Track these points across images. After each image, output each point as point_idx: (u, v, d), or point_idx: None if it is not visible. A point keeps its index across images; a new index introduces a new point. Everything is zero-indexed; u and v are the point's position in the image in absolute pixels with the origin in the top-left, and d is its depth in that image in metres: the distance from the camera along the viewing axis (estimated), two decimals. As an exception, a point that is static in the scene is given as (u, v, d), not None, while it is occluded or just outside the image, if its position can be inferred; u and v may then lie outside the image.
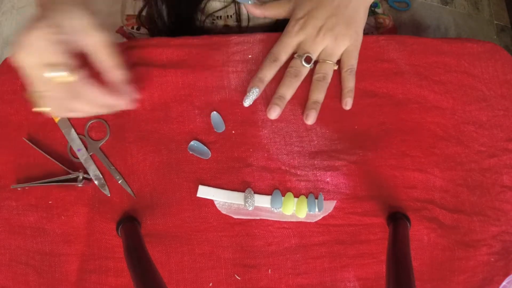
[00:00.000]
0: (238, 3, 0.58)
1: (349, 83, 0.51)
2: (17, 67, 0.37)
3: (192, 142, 0.50)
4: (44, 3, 0.39)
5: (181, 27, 0.59)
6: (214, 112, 0.51)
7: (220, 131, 0.51)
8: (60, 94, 0.38)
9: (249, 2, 0.53)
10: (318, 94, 0.50)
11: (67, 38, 0.37)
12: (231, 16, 0.61)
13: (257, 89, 0.50)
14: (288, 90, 0.50)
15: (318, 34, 0.50)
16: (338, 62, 0.52)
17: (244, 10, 0.60)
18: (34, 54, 0.36)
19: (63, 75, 0.36)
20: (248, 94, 0.50)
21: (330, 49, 0.50)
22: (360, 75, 0.52)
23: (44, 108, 0.39)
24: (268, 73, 0.51)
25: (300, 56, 0.50)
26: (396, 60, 0.53)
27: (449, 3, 1.39)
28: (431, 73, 0.53)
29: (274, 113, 0.50)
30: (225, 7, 0.59)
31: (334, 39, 0.50)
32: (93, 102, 0.40)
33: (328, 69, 0.51)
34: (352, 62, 0.51)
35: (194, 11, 0.60)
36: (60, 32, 0.36)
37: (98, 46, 0.39)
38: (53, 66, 0.36)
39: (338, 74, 0.52)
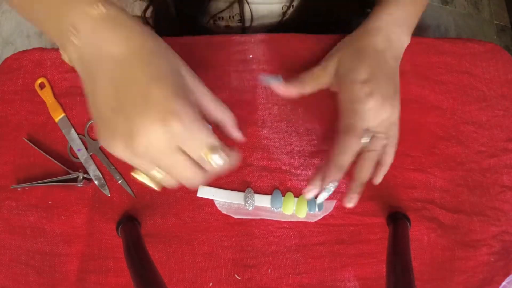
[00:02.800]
0: (242, 3, 0.58)
1: (390, 158, 0.45)
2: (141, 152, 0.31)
3: None
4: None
5: (184, 27, 0.59)
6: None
7: None
8: (200, 175, 0.33)
9: (280, 80, 0.45)
10: (367, 175, 0.44)
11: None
12: (233, 17, 0.61)
13: (335, 185, 0.42)
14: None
15: (382, 104, 0.41)
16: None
17: (247, 11, 0.60)
18: (191, 142, 0.31)
19: (219, 159, 0.32)
20: (324, 190, 0.43)
21: (386, 121, 0.43)
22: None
23: (158, 187, 0.35)
24: (351, 154, 0.42)
25: (368, 134, 0.42)
26: (396, 60, 0.53)
27: (449, 3, 1.39)
28: (432, 73, 0.53)
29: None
30: (229, 6, 0.59)
31: (392, 110, 0.43)
32: (214, 175, 0.35)
33: (379, 145, 0.43)
34: (397, 135, 0.45)
35: (200, 11, 0.60)
36: (197, 110, 0.32)
37: (208, 99, 0.36)
38: (211, 149, 0.32)
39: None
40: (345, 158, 0.42)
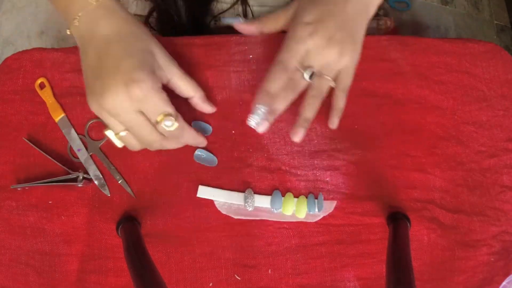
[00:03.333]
0: (244, 4, 0.58)
1: (341, 102, 0.46)
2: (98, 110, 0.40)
3: (197, 152, 0.50)
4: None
5: (187, 27, 0.60)
6: (193, 122, 0.51)
7: (209, 134, 0.51)
8: (156, 137, 0.41)
9: (240, 20, 0.49)
10: (311, 112, 0.45)
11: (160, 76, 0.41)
12: (245, 16, 0.61)
13: (265, 108, 0.43)
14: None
15: (327, 45, 0.43)
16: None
17: (248, 12, 0.60)
18: (148, 106, 0.39)
19: (173, 125, 0.40)
20: (253, 113, 0.43)
21: (333, 63, 0.44)
22: (360, 74, 0.52)
23: (120, 145, 0.43)
24: (277, 83, 0.44)
25: (308, 71, 0.43)
26: (397, 60, 0.53)
27: (449, 3, 1.39)
28: (432, 73, 0.53)
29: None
30: (231, 7, 0.59)
31: (339, 53, 0.43)
32: (185, 143, 0.45)
33: (325, 86, 0.45)
34: (348, 81, 0.46)
35: (206, 12, 0.60)
36: (160, 79, 0.40)
37: (177, 77, 0.43)
38: (166, 116, 0.39)
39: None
40: (271, 85, 0.43)
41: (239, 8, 0.60)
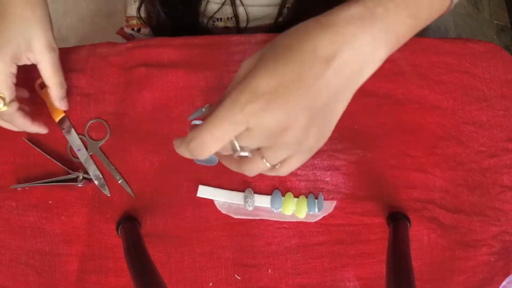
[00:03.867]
0: (235, 5, 0.58)
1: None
2: None
3: None
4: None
5: (183, 29, 0.60)
6: (193, 122, 0.49)
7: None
8: None
9: (203, 110, 0.35)
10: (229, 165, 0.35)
11: (23, 58, 0.44)
12: (231, 18, 0.61)
13: (206, 108, 0.35)
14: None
15: (278, 133, 0.28)
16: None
17: (241, 11, 0.60)
18: None
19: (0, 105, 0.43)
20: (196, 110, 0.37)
21: (279, 155, 0.31)
22: (360, 75, 0.52)
23: None
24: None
25: (243, 152, 0.30)
26: (397, 60, 0.53)
27: (449, 3, 1.38)
28: (432, 73, 0.53)
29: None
30: (220, 8, 0.59)
31: (293, 147, 0.30)
32: (18, 128, 0.47)
33: (261, 167, 0.32)
34: (293, 167, 0.33)
35: (195, 14, 0.60)
36: (15, 64, 0.43)
37: (47, 66, 0.45)
38: None
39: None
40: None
41: (228, 9, 0.60)
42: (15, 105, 0.44)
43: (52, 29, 0.46)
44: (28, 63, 0.45)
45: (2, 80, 0.42)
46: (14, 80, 0.44)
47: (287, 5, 0.59)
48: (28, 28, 0.43)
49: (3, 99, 0.43)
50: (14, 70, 0.43)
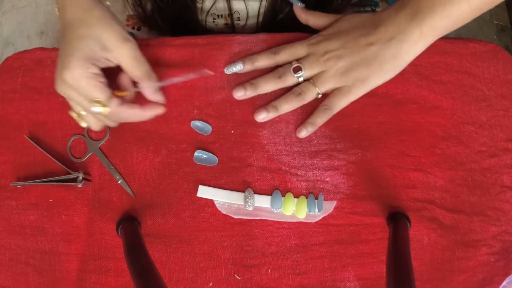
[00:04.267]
0: (229, 1, 0.58)
1: (318, 119, 0.50)
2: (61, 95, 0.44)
3: (196, 153, 0.50)
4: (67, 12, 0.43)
5: (182, 27, 0.59)
6: (193, 122, 0.51)
7: (209, 134, 0.51)
8: (100, 117, 0.45)
9: (298, 4, 0.52)
10: (284, 105, 0.50)
11: (100, 59, 0.43)
12: (232, 14, 0.61)
13: (242, 65, 0.50)
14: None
15: (323, 55, 0.47)
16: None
17: (241, 7, 0.60)
18: (76, 92, 0.42)
19: (101, 110, 0.42)
20: (232, 64, 0.50)
21: (325, 76, 0.48)
22: (360, 75, 0.52)
23: (83, 124, 0.47)
24: (262, 60, 0.50)
25: (290, 65, 0.49)
26: (396, 60, 0.53)
27: (449, 3, 1.38)
28: (432, 72, 0.53)
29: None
30: (213, 5, 0.59)
31: (336, 69, 0.48)
32: (135, 120, 0.48)
33: (309, 91, 0.49)
34: (336, 105, 0.49)
35: (192, 11, 0.60)
36: (94, 65, 0.42)
37: (126, 59, 0.43)
38: (92, 102, 0.42)
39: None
40: (259, 58, 0.50)
41: (223, 4, 0.60)
42: (115, 102, 0.43)
43: (120, 23, 0.44)
44: (111, 64, 0.44)
45: (85, 84, 0.41)
46: (102, 79, 0.42)
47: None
48: (93, 29, 0.42)
49: (99, 102, 0.42)
50: (94, 70, 0.42)
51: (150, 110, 0.47)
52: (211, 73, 0.49)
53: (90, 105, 0.42)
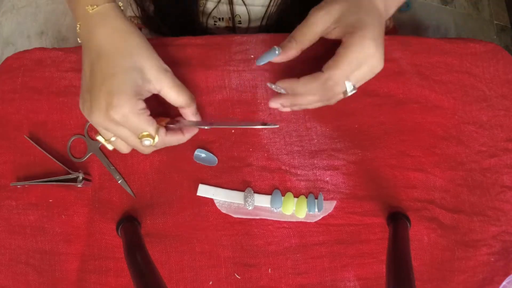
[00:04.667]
0: (232, 3, 0.58)
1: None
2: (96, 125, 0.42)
3: (196, 152, 0.50)
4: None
5: (183, 29, 0.60)
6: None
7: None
8: (141, 147, 0.43)
9: (277, 52, 0.43)
10: (305, 99, 0.44)
11: (144, 93, 0.41)
12: (234, 17, 0.61)
13: (278, 50, 0.43)
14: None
15: (379, 65, 0.42)
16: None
17: (242, 11, 0.60)
18: (125, 128, 0.41)
19: (151, 142, 0.42)
20: (266, 53, 0.44)
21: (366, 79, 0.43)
22: (360, 75, 0.52)
23: (110, 147, 0.45)
24: (309, 89, 0.42)
25: (352, 88, 0.42)
26: (398, 60, 0.53)
27: (449, 3, 1.39)
28: (433, 73, 0.53)
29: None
30: (216, 6, 0.59)
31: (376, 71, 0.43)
32: (169, 145, 0.46)
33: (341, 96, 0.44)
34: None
35: (193, 13, 0.60)
36: (140, 100, 0.41)
37: (170, 89, 0.43)
38: (142, 136, 0.41)
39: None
40: (300, 87, 0.43)
41: (225, 7, 0.60)
42: (162, 132, 0.43)
43: (155, 52, 0.43)
44: (149, 95, 0.43)
45: (137, 121, 0.40)
46: (148, 113, 0.41)
47: (276, 3, 0.59)
48: (133, 59, 0.40)
49: (150, 135, 0.41)
50: (141, 105, 0.40)
51: (189, 133, 0.47)
52: (275, 125, 0.47)
53: (139, 140, 0.41)
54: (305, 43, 0.43)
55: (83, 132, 0.51)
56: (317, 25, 0.42)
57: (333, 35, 0.43)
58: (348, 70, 0.40)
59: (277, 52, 0.43)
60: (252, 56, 0.53)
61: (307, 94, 0.43)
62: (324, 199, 0.49)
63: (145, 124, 0.41)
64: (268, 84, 0.45)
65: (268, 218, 0.49)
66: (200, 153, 0.50)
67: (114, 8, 0.42)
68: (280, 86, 0.43)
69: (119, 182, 0.50)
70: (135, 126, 0.40)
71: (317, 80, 0.41)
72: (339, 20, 0.42)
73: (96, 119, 0.40)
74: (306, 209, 0.49)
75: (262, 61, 0.44)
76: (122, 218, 0.48)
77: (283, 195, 0.49)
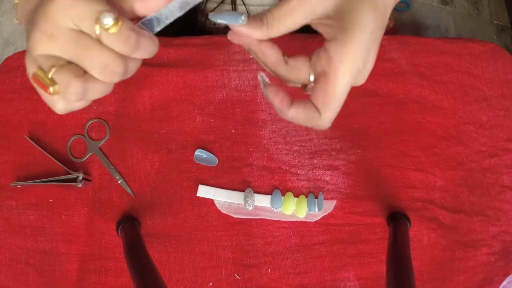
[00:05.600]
0: (235, 3, 0.58)
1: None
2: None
3: (197, 152, 0.50)
4: None
5: (182, 28, 0.60)
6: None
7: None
8: (108, 53, 0.29)
9: (239, 21, 0.33)
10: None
11: None
12: None
13: (242, 20, 0.33)
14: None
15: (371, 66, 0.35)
16: None
17: (243, 11, 0.60)
18: (79, 12, 0.28)
19: (111, 21, 0.28)
20: (228, 13, 0.34)
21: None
22: (360, 75, 0.52)
23: (51, 89, 0.30)
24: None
25: None
26: (397, 60, 0.53)
27: (449, 3, 1.39)
28: (432, 73, 0.53)
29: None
30: (218, 6, 0.59)
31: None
32: (149, 53, 0.32)
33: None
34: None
35: (193, 13, 0.60)
36: None
37: None
38: (101, 13, 0.27)
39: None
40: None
41: (226, 7, 0.60)
42: (127, 22, 0.29)
43: None
44: None
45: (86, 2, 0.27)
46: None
47: None
48: None
49: (108, 11, 0.27)
50: None
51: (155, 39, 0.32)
52: None
53: (97, 21, 0.28)
54: (275, 30, 0.35)
55: (83, 132, 0.51)
56: (295, 15, 0.34)
57: (322, 30, 0.35)
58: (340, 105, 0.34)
59: (240, 21, 0.33)
60: (251, 56, 0.53)
61: (292, 119, 0.34)
62: (324, 199, 0.49)
63: (98, 1, 0.28)
64: (259, 76, 0.37)
65: (268, 218, 0.49)
66: (201, 154, 0.50)
67: None
68: (269, 100, 0.34)
69: (119, 182, 0.50)
70: (86, 6, 0.28)
71: (306, 110, 0.34)
72: (338, 11, 0.33)
73: (45, 22, 0.28)
74: (306, 209, 0.49)
75: (218, 19, 0.33)
76: (122, 218, 0.48)
77: (283, 194, 0.49)
